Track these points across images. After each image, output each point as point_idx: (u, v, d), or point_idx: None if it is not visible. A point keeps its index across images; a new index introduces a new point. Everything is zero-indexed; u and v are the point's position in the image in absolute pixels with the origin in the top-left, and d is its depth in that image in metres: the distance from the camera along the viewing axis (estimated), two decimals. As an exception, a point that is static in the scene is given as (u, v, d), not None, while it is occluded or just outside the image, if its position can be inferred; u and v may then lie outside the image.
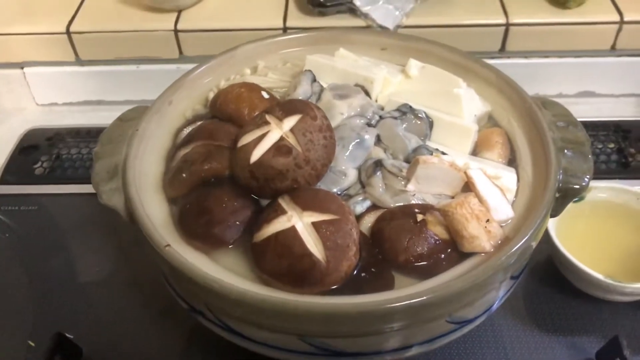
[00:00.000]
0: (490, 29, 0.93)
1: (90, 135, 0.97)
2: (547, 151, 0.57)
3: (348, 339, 0.49)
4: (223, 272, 0.51)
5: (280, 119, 0.55)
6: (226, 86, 0.67)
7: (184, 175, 0.57)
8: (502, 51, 0.96)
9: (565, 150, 0.58)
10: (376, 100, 0.66)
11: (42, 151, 0.95)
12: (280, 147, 0.53)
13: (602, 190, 0.75)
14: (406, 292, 0.48)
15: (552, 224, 0.71)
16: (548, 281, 0.73)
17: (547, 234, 0.70)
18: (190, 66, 0.97)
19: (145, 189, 0.58)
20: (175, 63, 0.99)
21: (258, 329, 0.50)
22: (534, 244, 0.53)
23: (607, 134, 0.92)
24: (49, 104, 1.06)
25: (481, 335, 0.68)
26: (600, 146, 0.91)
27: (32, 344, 0.70)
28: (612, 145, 0.91)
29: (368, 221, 0.55)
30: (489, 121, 0.66)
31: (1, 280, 0.77)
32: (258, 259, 0.51)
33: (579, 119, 0.95)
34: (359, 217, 0.55)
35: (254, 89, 0.65)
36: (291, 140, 0.54)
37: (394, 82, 0.67)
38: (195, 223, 0.54)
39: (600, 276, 0.66)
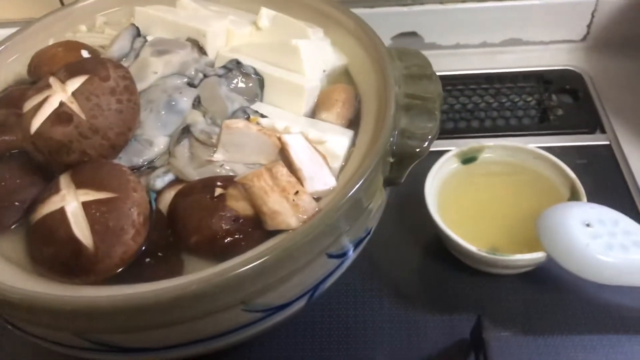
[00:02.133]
0: (397, -28, 0.84)
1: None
2: (386, 109, 0.49)
3: (123, 335, 0.43)
4: (-8, 261, 0.45)
5: (64, 82, 0.47)
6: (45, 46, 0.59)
7: (-29, 149, 0.51)
8: (415, -3, 0.87)
9: (411, 108, 0.50)
10: (217, 58, 0.58)
11: None
12: (59, 115, 0.46)
13: (494, 149, 0.67)
14: (189, 278, 0.41)
15: (433, 190, 0.63)
16: (437, 257, 0.65)
17: (424, 202, 0.62)
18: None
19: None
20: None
21: (28, 323, 0.44)
22: (355, 216, 0.46)
23: (524, 86, 0.83)
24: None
25: (350, 317, 0.61)
26: (516, 99, 0.82)
27: None
28: (530, 99, 0.82)
29: (167, 198, 0.47)
30: (345, 77, 0.58)
31: None
32: (29, 245, 0.45)
33: (500, 70, 0.88)
34: (159, 193, 0.48)
35: (73, 48, 0.57)
36: (73, 106, 0.46)
37: (241, 35, 0.59)
38: (-32, 205, 0.47)
39: (473, 248, 0.58)
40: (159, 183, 0.48)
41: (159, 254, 0.44)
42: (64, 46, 0.57)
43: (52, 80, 0.48)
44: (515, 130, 0.78)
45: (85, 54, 0.57)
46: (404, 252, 0.66)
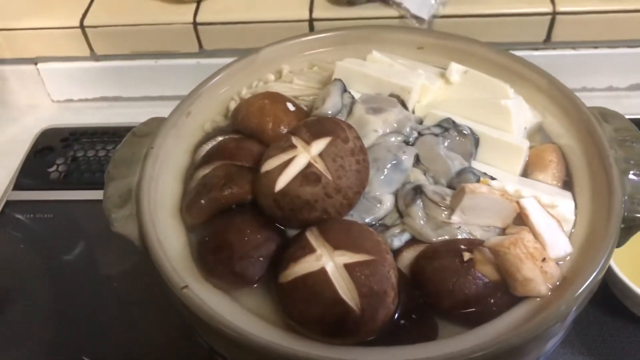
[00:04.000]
0: (534, 18, 0.85)
1: (107, 135, 0.92)
2: (609, 174, 0.50)
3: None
4: (246, 316, 0.46)
5: (308, 142, 0.49)
6: (248, 96, 0.61)
7: (202, 201, 0.52)
8: (548, 42, 0.88)
9: (631, 173, 0.51)
10: (413, 112, 0.60)
11: (58, 153, 0.90)
12: (308, 175, 0.48)
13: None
14: (453, 346, 0.42)
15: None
16: (602, 304, 0.66)
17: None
18: (210, 61, 0.92)
19: (162, 214, 0.53)
20: (195, 57, 0.93)
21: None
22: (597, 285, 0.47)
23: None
24: (65, 100, 1.02)
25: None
26: (656, 148, 0.83)
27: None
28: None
29: (407, 257, 0.49)
30: (540, 134, 0.59)
31: (14, 298, 0.73)
32: (284, 303, 0.46)
33: (630, 116, 0.89)
34: (396, 253, 0.49)
35: (279, 100, 0.59)
36: (320, 166, 0.48)
37: (432, 89, 0.61)
38: (214, 259, 0.49)
39: (662, 305, 0.59)
40: (397, 242, 0.49)
41: (413, 316, 0.45)
42: (269, 98, 0.59)
43: (295, 140, 0.49)
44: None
45: (290, 106, 0.58)
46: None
